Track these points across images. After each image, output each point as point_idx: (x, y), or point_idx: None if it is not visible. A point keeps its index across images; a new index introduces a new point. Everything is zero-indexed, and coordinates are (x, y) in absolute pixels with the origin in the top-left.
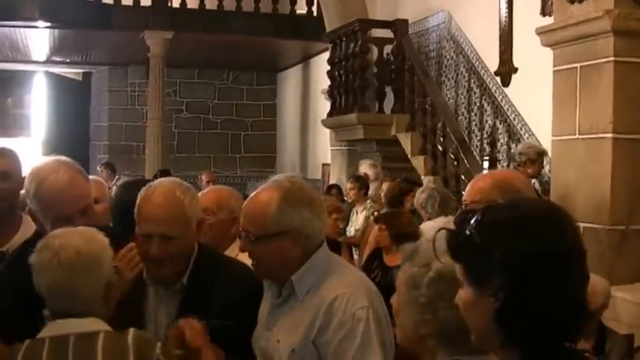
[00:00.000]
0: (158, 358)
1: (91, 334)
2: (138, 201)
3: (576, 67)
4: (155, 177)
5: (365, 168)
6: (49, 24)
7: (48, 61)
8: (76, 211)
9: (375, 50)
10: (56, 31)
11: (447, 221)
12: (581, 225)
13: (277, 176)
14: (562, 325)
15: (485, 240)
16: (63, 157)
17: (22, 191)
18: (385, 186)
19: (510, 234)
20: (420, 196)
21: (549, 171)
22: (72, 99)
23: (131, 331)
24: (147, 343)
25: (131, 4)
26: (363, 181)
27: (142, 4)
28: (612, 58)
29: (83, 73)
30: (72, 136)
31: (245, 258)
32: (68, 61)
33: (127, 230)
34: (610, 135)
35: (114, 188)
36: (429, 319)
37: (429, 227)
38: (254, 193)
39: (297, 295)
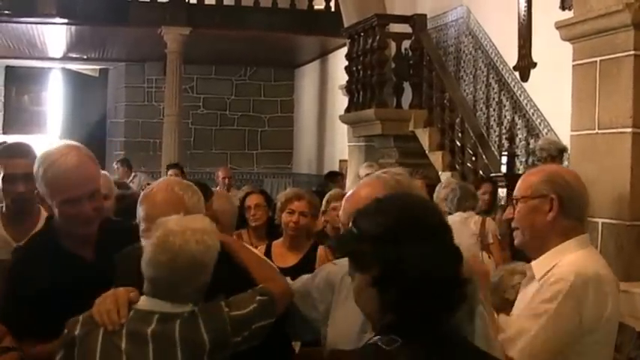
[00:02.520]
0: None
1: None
2: (139, 203)
3: (596, 62)
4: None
5: (363, 171)
6: (65, 20)
7: (65, 58)
8: (84, 194)
9: (393, 45)
10: (73, 27)
11: (466, 216)
12: (600, 220)
13: (383, 171)
14: (432, 296)
15: (359, 229)
16: (73, 142)
17: None
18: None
19: (377, 220)
20: (441, 191)
21: (569, 166)
22: (88, 95)
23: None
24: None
25: (149, 0)
26: None
27: (159, 0)
28: (632, 52)
29: (100, 69)
30: (88, 132)
31: None
32: (85, 57)
33: None
34: (630, 130)
35: (130, 185)
36: None
37: (449, 221)
38: (356, 187)
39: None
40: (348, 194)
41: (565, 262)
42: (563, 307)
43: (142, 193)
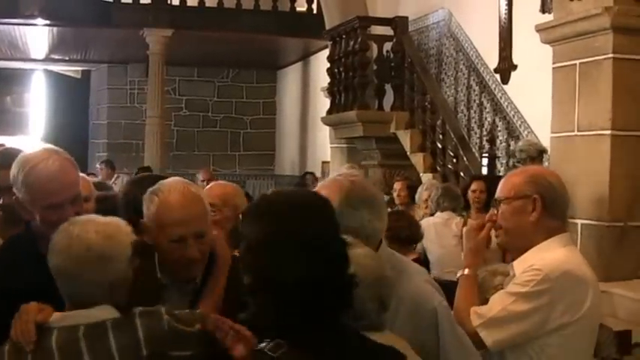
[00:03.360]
0: (169, 323)
1: (100, 325)
2: (154, 209)
3: (575, 64)
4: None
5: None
6: (48, 22)
7: (47, 59)
8: (66, 200)
9: (374, 48)
10: (55, 28)
11: (447, 217)
12: (580, 222)
13: (337, 174)
14: (311, 301)
15: (242, 234)
16: (52, 146)
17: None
18: (398, 185)
19: (252, 227)
20: (423, 192)
21: (548, 168)
22: (71, 97)
23: (137, 313)
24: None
25: (131, 1)
26: None
27: (141, 1)
28: (611, 55)
29: (82, 71)
30: (71, 134)
31: None
32: (67, 58)
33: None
34: (609, 132)
35: (113, 186)
36: None
37: (430, 223)
38: (316, 190)
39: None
40: None
41: (544, 259)
42: (534, 295)
43: (154, 201)
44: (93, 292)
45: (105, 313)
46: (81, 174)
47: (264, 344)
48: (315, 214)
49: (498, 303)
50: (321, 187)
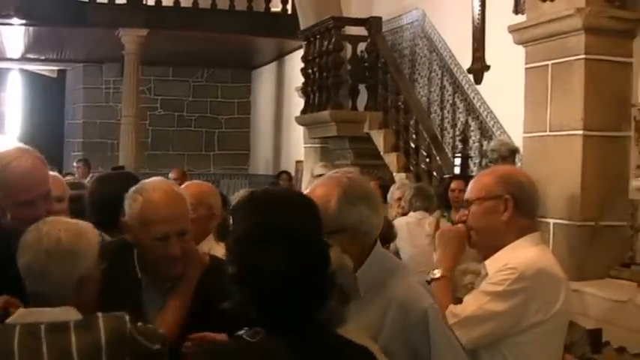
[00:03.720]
0: (131, 331)
1: (63, 326)
2: (138, 207)
3: (548, 65)
4: None
5: (317, 170)
6: (23, 21)
7: (22, 59)
8: (38, 197)
9: (349, 48)
10: (31, 28)
11: (420, 217)
12: (552, 221)
13: (335, 171)
14: (290, 294)
15: (232, 226)
16: (22, 145)
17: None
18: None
19: (240, 222)
20: (395, 192)
21: (521, 168)
22: (47, 96)
23: (100, 315)
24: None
25: (106, 1)
26: None
27: (117, 1)
28: (583, 56)
29: (58, 70)
30: (46, 133)
31: (219, 252)
32: (43, 58)
33: (108, 222)
34: (581, 132)
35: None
36: None
37: (403, 223)
38: (311, 188)
39: (359, 292)
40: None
41: (517, 257)
42: (510, 293)
43: (138, 199)
44: (60, 291)
45: (69, 314)
46: (55, 173)
47: (243, 331)
48: (300, 212)
49: (473, 302)
50: (318, 185)
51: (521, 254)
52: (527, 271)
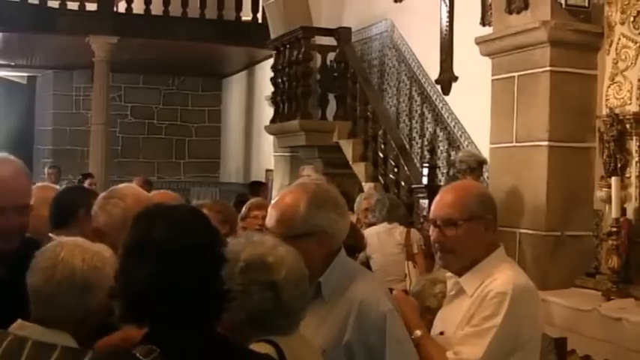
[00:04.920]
0: None
1: (50, 346)
2: (121, 213)
3: (514, 77)
4: (79, 181)
5: (309, 171)
6: None
7: None
8: (11, 206)
9: (318, 58)
10: (0, 34)
11: (391, 227)
12: (518, 231)
13: (302, 179)
14: (183, 307)
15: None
16: (8, 155)
17: None
18: None
19: (127, 233)
20: (362, 202)
21: (487, 177)
22: (16, 102)
23: (90, 353)
24: None
25: (76, 8)
26: None
27: (87, 8)
28: (548, 68)
29: (28, 76)
30: (16, 139)
31: None
32: (13, 64)
33: None
34: (546, 143)
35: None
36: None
37: (373, 232)
38: (280, 195)
39: (323, 296)
40: (273, 201)
41: (496, 276)
42: (507, 320)
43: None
44: (63, 320)
45: (64, 339)
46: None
47: (137, 346)
48: (189, 229)
49: (479, 344)
50: (286, 192)
51: (498, 274)
52: (515, 292)
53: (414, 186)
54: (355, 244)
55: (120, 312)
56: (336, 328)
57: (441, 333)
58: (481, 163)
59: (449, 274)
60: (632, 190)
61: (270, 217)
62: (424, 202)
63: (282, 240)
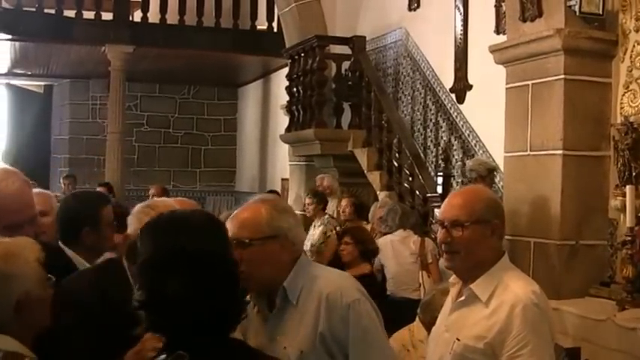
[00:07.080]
0: None
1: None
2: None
3: (528, 85)
4: None
5: (329, 180)
6: (9, 36)
7: (9, 74)
8: (25, 220)
9: (333, 66)
10: (17, 43)
11: (405, 235)
12: (532, 240)
13: (260, 196)
14: (201, 317)
15: (139, 245)
16: (9, 167)
17: None
18: (344, 202)
19: (143, 246)
20: (377, 210)
21: (502, 187)
22: (33, 111)
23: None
24: None
25: (92, 17)
26: (322, 196)
27: (103, 18)
28: (563, 76)
29: (45, 85)
30: (33, 148)
31: None
32: (30, 73)
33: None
34: (560, 152)
35: None
36: None
37: (387, 241)
38: (239, 210)
39: (290, 300)
40: (232, 215)
41: (508, 284)
42: (537, 327)
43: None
44: None
45: (4, 343)
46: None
47: (163, 356)
48: (207, 235)
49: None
50: (246, 205)
51: (509, 281)
52: (535, 299)
53: (428, 195)
54: (368, 250)
55: (149, 322)
56: (310, 326)
57: (458, 339)
58: (491, 170)
59: (453, 280)
60: None
61: (233, 227)
62: (438, 211)
63: (248, 243)
